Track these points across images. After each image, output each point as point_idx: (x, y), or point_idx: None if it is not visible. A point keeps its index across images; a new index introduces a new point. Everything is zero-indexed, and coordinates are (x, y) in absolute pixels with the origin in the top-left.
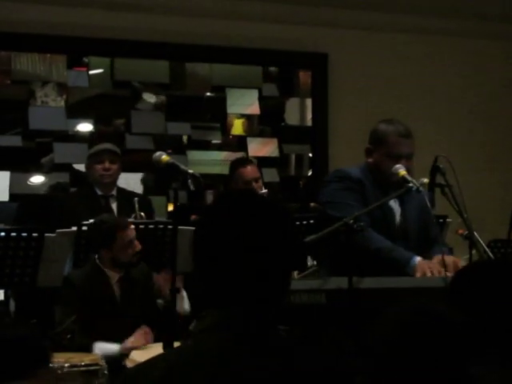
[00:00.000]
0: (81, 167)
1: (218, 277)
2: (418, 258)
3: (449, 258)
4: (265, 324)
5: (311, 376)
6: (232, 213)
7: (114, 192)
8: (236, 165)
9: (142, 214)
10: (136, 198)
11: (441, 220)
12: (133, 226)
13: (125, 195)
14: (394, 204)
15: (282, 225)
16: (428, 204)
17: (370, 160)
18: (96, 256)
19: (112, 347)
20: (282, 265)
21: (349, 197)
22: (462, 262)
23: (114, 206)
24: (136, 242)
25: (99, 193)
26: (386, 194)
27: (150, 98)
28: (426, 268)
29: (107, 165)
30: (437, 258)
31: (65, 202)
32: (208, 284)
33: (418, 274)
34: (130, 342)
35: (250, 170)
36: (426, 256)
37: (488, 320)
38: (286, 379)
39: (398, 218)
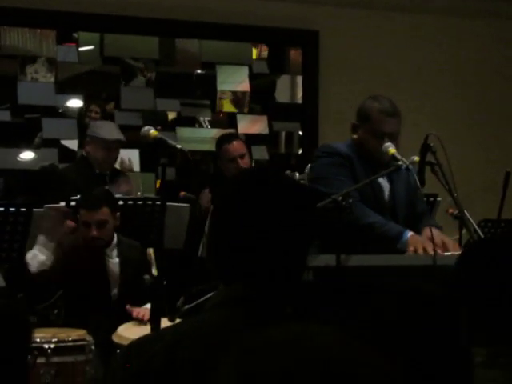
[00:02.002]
0: (70, 143)
1: (234, 252)
2: (409, 233)
3: (437, 234)
4: (278, 300)
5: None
6: (251, 190)
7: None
8: (221, 141)
9: (139, 193)
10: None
11: (431, 199)
12: (101, 214)
13: (118, 174)
14: (383, 181)
15: (300, 203)
16: (417, 180)
17: (356, 136)
18: None
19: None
20: (299, 243)
21: (339, 172)
22: (450, 240)
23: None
24: (93, 229)
25: (97, 171)
26: (373, 170)
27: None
28: (419, 244)
29: (114, 153)
30: (426, 232)
31: (64, 177)
32: (222, 259)
33: (411, 249)
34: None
35: (235, 147)
36: (416, 231)
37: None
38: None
39: (386, 194)
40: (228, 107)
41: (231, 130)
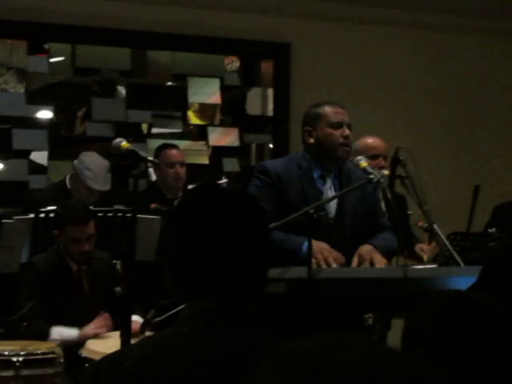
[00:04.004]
0: (40, 154)
1: (195, 269)
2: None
3: (371, 254)
4: (244, 313)
5: None
6: (206, 206)
7: None
8: (161, 147)
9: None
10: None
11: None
12: (90, 229)
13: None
14: (330, 192)
15: (256, 216)
16: (377, 192)
17: (311, 141)
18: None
19: (70, 332)
20: (259, 255)
21: (261, 195)
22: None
23: None
24: (84, 243)
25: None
26: (324, 178)
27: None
28: (324, 251)
29: (96, 195)
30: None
31: (38, 200)
32: (184, 276)
33: (318, 256)
34: (91, 328)
35: (175, 153)
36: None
37: None
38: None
39: (332, 206)
40: (194, 119)
41: (202, 143)
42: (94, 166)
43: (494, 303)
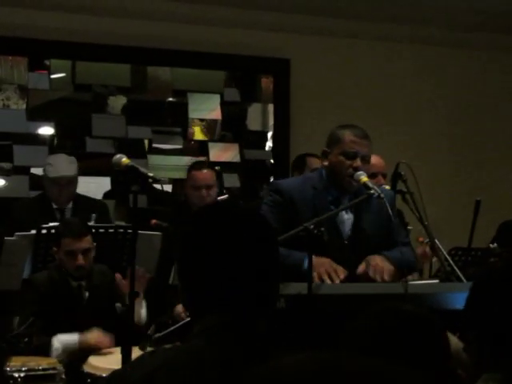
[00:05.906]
0: (41, 171)
1: (208, 284)
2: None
3: (375, 260)
4: (256, 328)
5: None
6: (217, 224)
7: (71, 204)
8: (191, 167)
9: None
10: (93, 215)
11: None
12: (86, 242)
13: (82, 203)
14: (344, 215)
15: (266, 232)
16: (389, 210)
17: (326, 163)
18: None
19: (71, 337)
20: (269, 271)
21: (270, 213)
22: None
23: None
24: (79, 257)
25: (54, 206)
26: (339, 200)
27: (114, 102)
28: (322, 268)
29: (66, 188)
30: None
31: (19, 210)
32: (197, 292)
33: (316, 278)
34: (93, 338)
35: (203, 175)
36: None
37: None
38: None
39: (347, 226)
40: (199, 135)
41: (202, 158)
42: (53, 160)
43: (427, 313)
